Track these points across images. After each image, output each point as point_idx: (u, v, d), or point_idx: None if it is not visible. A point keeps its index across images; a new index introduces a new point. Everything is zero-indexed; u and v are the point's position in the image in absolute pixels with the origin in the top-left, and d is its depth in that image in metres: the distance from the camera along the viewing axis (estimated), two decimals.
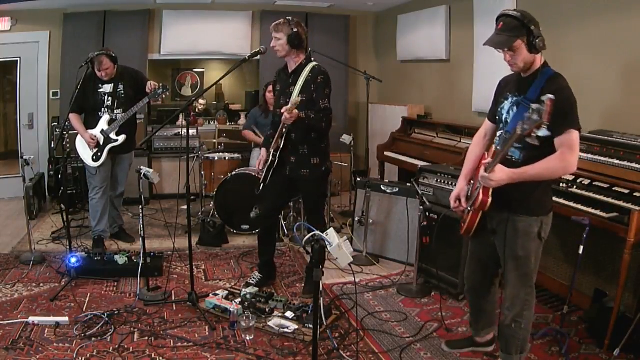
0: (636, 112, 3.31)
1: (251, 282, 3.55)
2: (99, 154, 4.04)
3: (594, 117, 3.55)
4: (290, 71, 3.30)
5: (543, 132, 2.00)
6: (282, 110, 3.03)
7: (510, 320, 2.37)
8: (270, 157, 3.30)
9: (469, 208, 2.38)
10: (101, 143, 4.03)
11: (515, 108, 2.25)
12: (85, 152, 4.08)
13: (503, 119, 2.33)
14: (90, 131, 4.03)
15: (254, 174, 4.41)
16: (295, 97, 3.08)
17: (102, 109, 4.05)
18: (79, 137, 4.09)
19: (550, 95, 1.83)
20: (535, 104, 1.88)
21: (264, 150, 3.43)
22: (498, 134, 2.37)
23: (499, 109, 2.36)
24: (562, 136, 2.07)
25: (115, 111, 4.06)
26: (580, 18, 3.74)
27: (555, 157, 2.08)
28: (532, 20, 2.11)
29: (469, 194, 2.45)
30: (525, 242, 2.26)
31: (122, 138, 4.04)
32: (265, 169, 3.36)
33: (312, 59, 3.35)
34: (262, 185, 3.42)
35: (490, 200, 2.22)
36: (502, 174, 2.09)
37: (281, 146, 3.26)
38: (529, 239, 2.25)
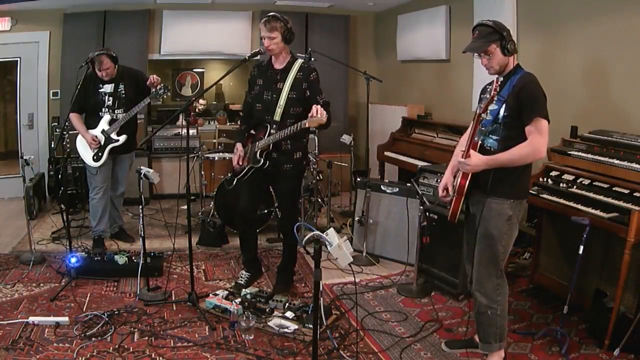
0: (635, 112, 3.31)
1: (240, 282, 3.54)
2: (100, 154, 4.04)
3: (593, 116, 3.56)
4: (277, 68, 3.28)
5: (493, 107, 2.38)
6: (318, 119, 2.92)
7: (484, 307, 2.48)
8: (257, 156, 3.27)
9: (452, 194, 2.53)
10: (102, 143, 4.03)
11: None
12: (85, 152, 4.08)
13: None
14: (92, 131, 4.03)
15: None
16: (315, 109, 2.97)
17: (103, 109, 4.05)
18: (79, 137, 4.09)
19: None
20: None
21: (239, 145, 3.40)
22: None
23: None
24: (530, 124, 2.30)
25: (116, 111, 4.06)
26: (576, 19, 3.74)
27: (525, 144, 2.30)
28: (504, 27, 2.36)
29: (455, 185, 2.57)
30: (498, 221, 2.42)
31: (122, 138, 4.04)
32: (247, 168, 3.35)
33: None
34: (236, 180, 3.42)
35: (467, 183, 2.41)
36: (477, 159, 2.33)
37: (271, 147, 3.26)
38: (501, 219, 2.41)
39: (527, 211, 3.83)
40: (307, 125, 3.00)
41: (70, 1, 5.67)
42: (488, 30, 2.36)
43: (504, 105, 2.37)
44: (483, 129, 2.46)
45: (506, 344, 2.62)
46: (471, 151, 2.36)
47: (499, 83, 2.39)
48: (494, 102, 2.42)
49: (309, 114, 2.98)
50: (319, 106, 2.97)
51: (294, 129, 3.10)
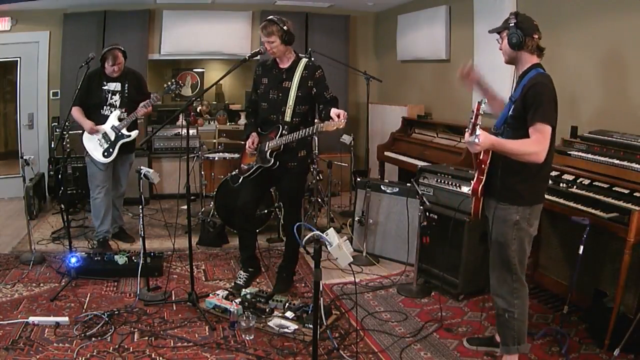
0: (633, 111, 3.30)
1: (239, 282, 3.53)
2: (111, 149, 4.04)
3: (592, 116, 3.55)
4: (282, 67, 3.29)
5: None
6: (337, 123, 2.85)
7: (502, 310, 2.47)
8: (267, 157, 3.27)
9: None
10: (112, 139, 4.03)
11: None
12: (95, 149, 4.05)
13: None
14: (101, 127, 4.04)
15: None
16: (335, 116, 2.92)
17: (105, 106, 4.07)
18: (86, 135, 4.07)
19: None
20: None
21: (254, 134, 3.39)
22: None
23: None
24: (531, 127, 2.24)
25: (119, 109, 4.07)
26: (577, 18, 3.74)
27: (532, 140, 2.23)
28: (522, 21, 2.34)
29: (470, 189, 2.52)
30: (502, 228, 2.41)
31: (134, 133, 4.08)
32: (256, 167, 3.35)
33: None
34: (242, 178, 3.43)
35: (480, 188, 2.42)
36: (484, 138, 2.16)
37: (282, 148, 3.25)
38: (505, 225, 2.40)
39: None
40: (323, 129, 2.93)
41: (70, 1, 5.67)
42: (508, 17, 2.38)
43: (512, 106, 2.34)
44: (493, 130, 2.42)
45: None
46: (480, 130, 2.17)
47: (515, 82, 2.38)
48: (506, 102, 2.41)
49: (330, 116, 2.91)
50: (341, 111, 2.91)
51: (308, 132, 3.07)
